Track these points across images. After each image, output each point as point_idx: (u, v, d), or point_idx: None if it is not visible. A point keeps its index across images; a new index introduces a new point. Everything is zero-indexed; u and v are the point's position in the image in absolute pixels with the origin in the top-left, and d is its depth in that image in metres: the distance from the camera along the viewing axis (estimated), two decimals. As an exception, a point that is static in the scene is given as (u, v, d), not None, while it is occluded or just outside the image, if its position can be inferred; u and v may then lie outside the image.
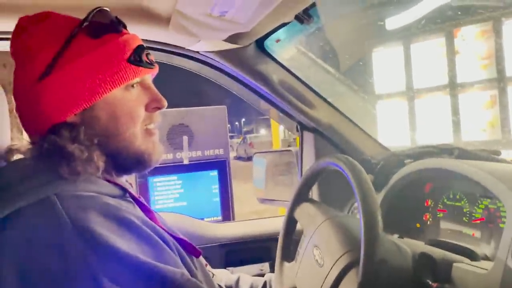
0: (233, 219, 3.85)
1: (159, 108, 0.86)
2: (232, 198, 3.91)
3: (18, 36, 0.81)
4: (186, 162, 3.69)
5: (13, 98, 0.83)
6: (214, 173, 3.87)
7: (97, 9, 0.81)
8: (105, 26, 0.81)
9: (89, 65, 0.77)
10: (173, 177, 3.76)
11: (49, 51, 0.77)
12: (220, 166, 3.89)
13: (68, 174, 0.73)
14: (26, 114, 0.80)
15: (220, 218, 3.80)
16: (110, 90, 0.79)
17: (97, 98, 0.78)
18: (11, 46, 0.83)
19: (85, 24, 0.79)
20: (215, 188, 3.85)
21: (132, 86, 0.82)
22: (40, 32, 0.79)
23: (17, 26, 0.82)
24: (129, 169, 0.86)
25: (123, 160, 0.83)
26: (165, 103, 0.86)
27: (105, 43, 0.79)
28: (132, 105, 0.82)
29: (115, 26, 0.82)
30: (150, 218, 0.80)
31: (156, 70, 0.88)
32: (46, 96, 0.77)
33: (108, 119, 0.80)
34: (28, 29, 0.80)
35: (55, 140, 0.76)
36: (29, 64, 0.78)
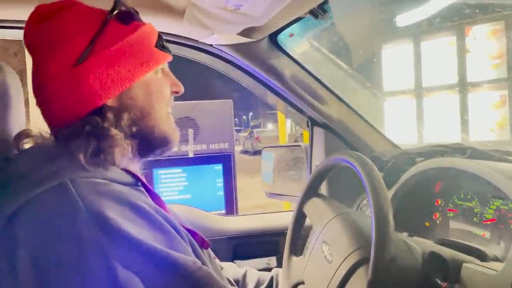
0: (237, 213, 3.85)
1: (177, 93, 0.92)
2: (236, 192, 3.91)
3: (41, 23, 0.80)
4: (191, 155, 3.69)
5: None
6: (219, 167, 3.86)
7: None
8: (131, 14, 0.84)
9: (125, 49, 0.80)
10: (178, 169, 3.76)
11: (84, 37, 0.78)
12: (225, 160, 3.88)
13: (90, 163, 0.74)
14: (59, 99, 0.79)
15: (223, 211, 3.81)
16: (146, 73, 0.83)
17: (135, 80, 0.82)
18: (30, 34, 0.82)
19: (116, 11, 0.82)
20: (219, 182, 3.85)
21: (158, 71, 0.87)
22: (71, 18, 0.80)
23: (37, 13, 0.82)
24: (155, 149, 0.89)
25: (152, 140, 0.86)
26: (183, 88, 0.92)
27: (134, 29, 0.82)
28: (162, 86, 0.88)
29: (137, 14, 0.86)
30: (160, 208, 0.80)
31: (171, 56, 0.92)
32: (87, 79, 0.77)
33: (144, 98, 0.84)
34: (56, 15, 0.80)
35: (97, 122, 0.78)
36: (63, 49, 0.77)
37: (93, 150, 0.76)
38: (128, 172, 0.82)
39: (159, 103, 0.86)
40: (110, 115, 0.79)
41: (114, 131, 0.79)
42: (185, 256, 0.72)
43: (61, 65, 0.77)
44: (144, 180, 0.85)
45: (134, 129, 0.82)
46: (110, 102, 0.80)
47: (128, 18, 0.83)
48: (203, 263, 0.78)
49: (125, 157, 0.81)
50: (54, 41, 0.78)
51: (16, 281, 0.67)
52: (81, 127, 0.77)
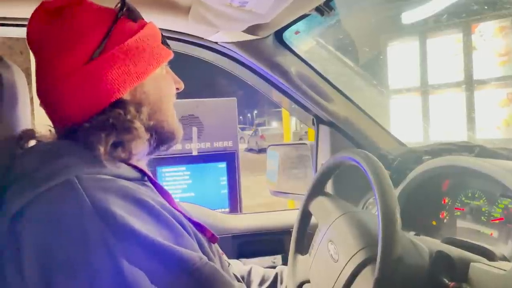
0: (241, 211, 3.85)
1: (178, 89, 0.94)
2: (240, 190, 3.91)
3: (49, 20, 0.80)
4: (195, 153, 3.69)
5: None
6: (223, 165, 3.86)
7: None
8: (137, 11, 0.86)
9: (137, 44, 0.82)
10: (182, 167, 3.76)
11: (97, 33, 0.79)
12: (229, 158, 3.88)
13: (108, 156, 0.76)
14: (73, 97, 0.78)
15: (227, 210, 3.81)
16: (156, 68, 0.85)
17: (147, 74, 0.83)
18: (36, 32, 0.81)
19: (125, 8, 0.83)
20: (223, 180, 3.85)
21: (163, 67, 0.89)
22: (83, 15, 0.80)
23: (43, 10, 0.81)
24: (163, 144, 0.89)
25: (162, 134, 0.88)
26: (183, 85, 0.94)
27: (142, 26, 0.84)
28: (169, 82, 0.91)
29: (140, 12, 0.87)
30: (168, 203, 0.81)
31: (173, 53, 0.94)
32: (102, 74, 0.78)
33: (154, 93, 0.86)
34: (66, 12, 0.79)
35: (120, 115, 0.79)
36: (76, 46, 0.77)
37: (114, 143, 0.77)
38: (135, 167, 0.82)
39: (168, 98, 0.89)
40: (131, 108, 0.81)
41: (137, 123, 0.81)
42: (191, 251, 0.72)
43: (74, 62, 0.77)
44: (151, 175, 0.85)
45: (151, 123, 0.84)
46: (124, 97, 0.81)
47: (135, 15, 0.85)
48: (210, 259, 0.78)
49: (142, 151, 0.83)
50: (65, 38, 0.78)
51: (22, 279, 0.67)
52: (101, 120, 0.78)
